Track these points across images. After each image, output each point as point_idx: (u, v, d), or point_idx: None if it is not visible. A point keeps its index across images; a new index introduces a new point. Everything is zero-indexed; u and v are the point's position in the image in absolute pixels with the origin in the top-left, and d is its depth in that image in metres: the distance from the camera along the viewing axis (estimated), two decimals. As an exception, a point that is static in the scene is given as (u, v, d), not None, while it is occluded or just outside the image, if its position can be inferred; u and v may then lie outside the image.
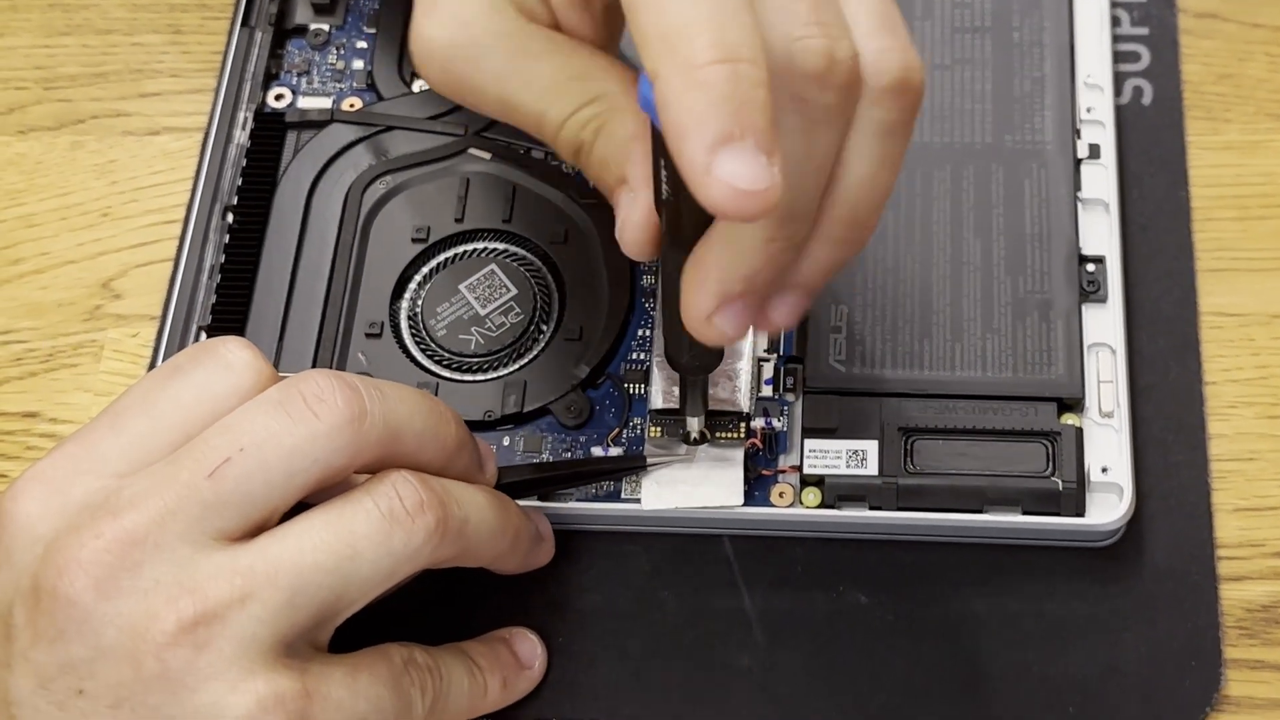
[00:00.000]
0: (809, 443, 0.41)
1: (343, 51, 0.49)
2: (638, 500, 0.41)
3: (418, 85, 0.48)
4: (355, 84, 0.48)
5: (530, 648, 0.40)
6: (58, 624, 0.33)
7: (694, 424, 0.41)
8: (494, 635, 0.40)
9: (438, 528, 0.35)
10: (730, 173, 0.28)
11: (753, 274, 0.33)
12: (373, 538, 0.34)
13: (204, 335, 0.44)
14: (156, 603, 0.33)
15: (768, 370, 0.43)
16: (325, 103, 0.48)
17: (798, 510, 0.41)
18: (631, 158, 0.34)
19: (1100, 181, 0.45)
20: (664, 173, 0.32)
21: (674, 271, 0.34)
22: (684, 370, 0.39)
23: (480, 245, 0.45)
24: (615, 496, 0.42)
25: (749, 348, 0.42)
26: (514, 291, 0.44)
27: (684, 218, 0.33)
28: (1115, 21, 0.48)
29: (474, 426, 0.43)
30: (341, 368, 0.43)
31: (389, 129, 0.47)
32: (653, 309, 0.44)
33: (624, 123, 0.35)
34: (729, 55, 0.29)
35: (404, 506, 0.34)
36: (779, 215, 0.32)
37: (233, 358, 0.35)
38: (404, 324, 0.44)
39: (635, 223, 0.35)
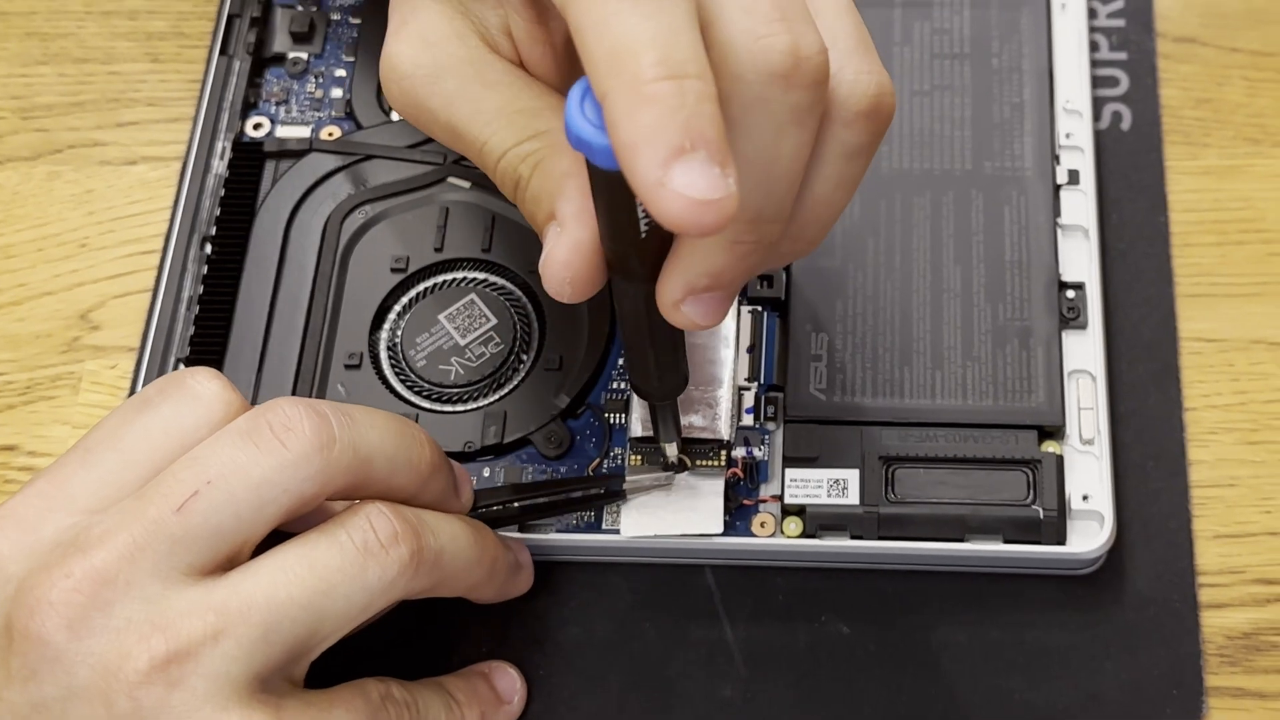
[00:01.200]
0: (790, 472, 0.41)
1: (321, 80, 0.49)
2: (618, 531, 0.41)
3: (396, 114, 0.48)
4: (334, 113, 0.48)
5: (510, 682, 0.40)
6: (30, 664, 0.32)
7: (670, 450, 0.41)
8: (473, 670, 0.40)
9: (412, 559, 0.35)
10: (684, 184, 0.28)
11: (719, 272, 0.33)
12: (347, 571, 0.34)
13: (182, 366, 0.44)
14: (128, 641, 0.32)
15: (748, 399, 0.43)
16: (304, 132, 0.48)
17: (779, 540, 0.41)
18: (564, 194, 0.34)
19: (1079, 207, 0.45)
20: (604, 205, 0.32)
21: (626, 303, 0.34)
22: (649, 397, 0.39)
23: (460, 275, 0.45)
24: (596, 527, 0.42)
25: (729, 376, 0.42)
26: (494, 321, 0.44)
27: (630, 249, 0.33)
28: (1094, 46, 0.49)
29: (454, 457, 0.42)
30: (321, 398, 0.43)
31: (368, 158, 0.47)
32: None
33: (561, 161, 0.34)
34: (675, 72, 0.29)
35: (378, 538, 0.34)
36: (747, 218, 0.32)
37: (201, 389, 0.35)
38: (384, 354, 0.44)
39: (559, 260, 0.34)
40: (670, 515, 0.41)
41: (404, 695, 0.37)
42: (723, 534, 0.41)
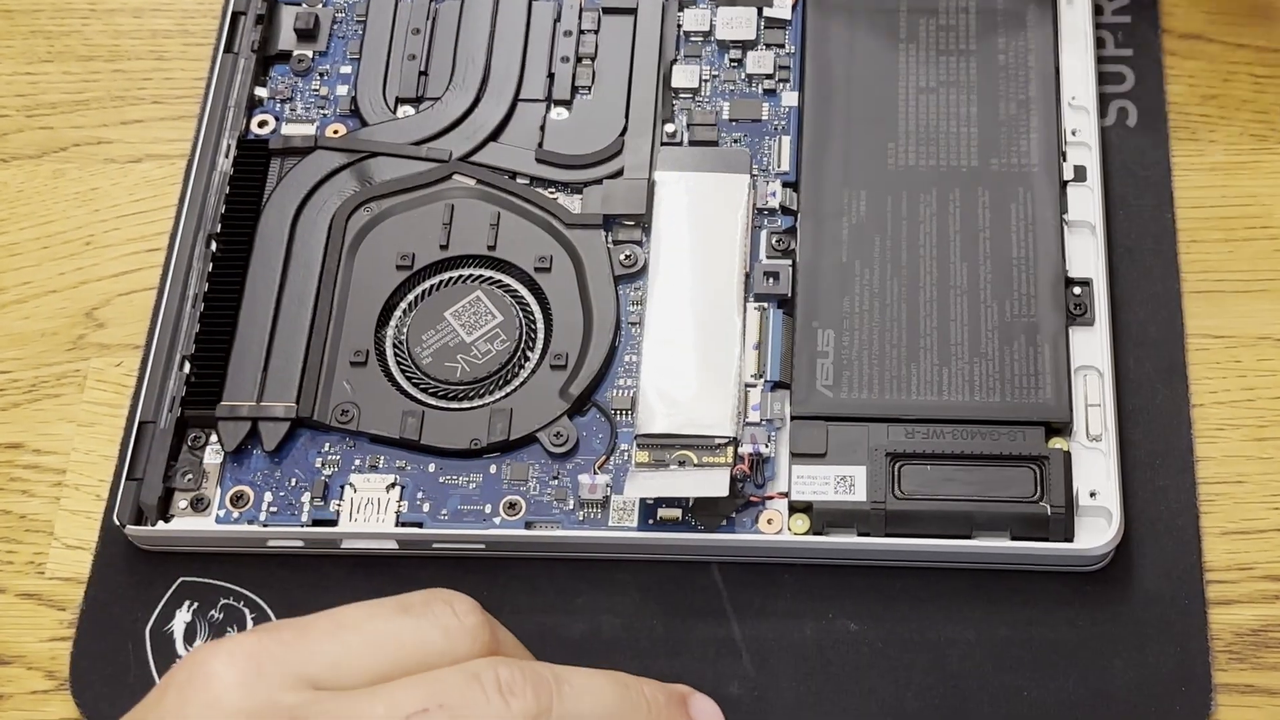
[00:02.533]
0: (797, 469, 0.41)
1: (326, 78, 0.49)
2: (625, 527, 0.41)
3: (402, 111, 0.48)
4: (339, 110, 0.48)
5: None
6: None
7: None
8: (673, 690, 0.38)
9: None
10: None
11: None
12: None
13: (187, 364, 0.44)
14: None
15: (755, 396, 0.43)
16: (309, 129, 0.48)
17: (786, 537, 0.41)
18: None
19: (1086, 204, 0.45)
20: None
21: None
22: None
23: (465, 272, 0.45)
24: (603, 523, 0.42)
25: (735, 373, 0.42)
26: (499, 318, 0.44)
27: None
28: (1100, 43, 0.48)
29: (460, 455, 0.42)
30: (327, 395, 0.43)
31: (373, 155, 0.47)
32: (638, 335, 0.44)
33: None
34: None
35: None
36: None
37: (464, 620, 0.35)
38: (389, 351, 0.44)
39: None
40: (675, 479, 0.41)
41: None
42: (730, 530, 0.41)
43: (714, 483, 0.41)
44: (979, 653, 0.41)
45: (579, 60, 0.48)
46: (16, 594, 0.43)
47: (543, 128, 0.47)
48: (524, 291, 0.45)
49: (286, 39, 0.49)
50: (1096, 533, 0.41)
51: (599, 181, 0.46)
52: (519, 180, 0.46)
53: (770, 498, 0.42)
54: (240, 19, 0.49)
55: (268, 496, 0.42)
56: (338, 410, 0.43)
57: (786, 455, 0.42)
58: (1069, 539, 0.40)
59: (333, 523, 0.42)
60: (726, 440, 0.42)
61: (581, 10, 0.49)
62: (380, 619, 0.35)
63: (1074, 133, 0.46)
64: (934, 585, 0.41)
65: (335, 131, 0.48)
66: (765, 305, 0.44)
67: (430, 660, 0.34)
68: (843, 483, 0.41)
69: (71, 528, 0.44)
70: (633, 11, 0.49)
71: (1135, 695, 0.40)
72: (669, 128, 0.47)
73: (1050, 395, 0.42)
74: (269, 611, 0.42)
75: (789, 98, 0.47)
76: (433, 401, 0.43)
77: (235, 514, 0.42)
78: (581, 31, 0.49)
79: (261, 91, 0.49)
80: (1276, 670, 0.40)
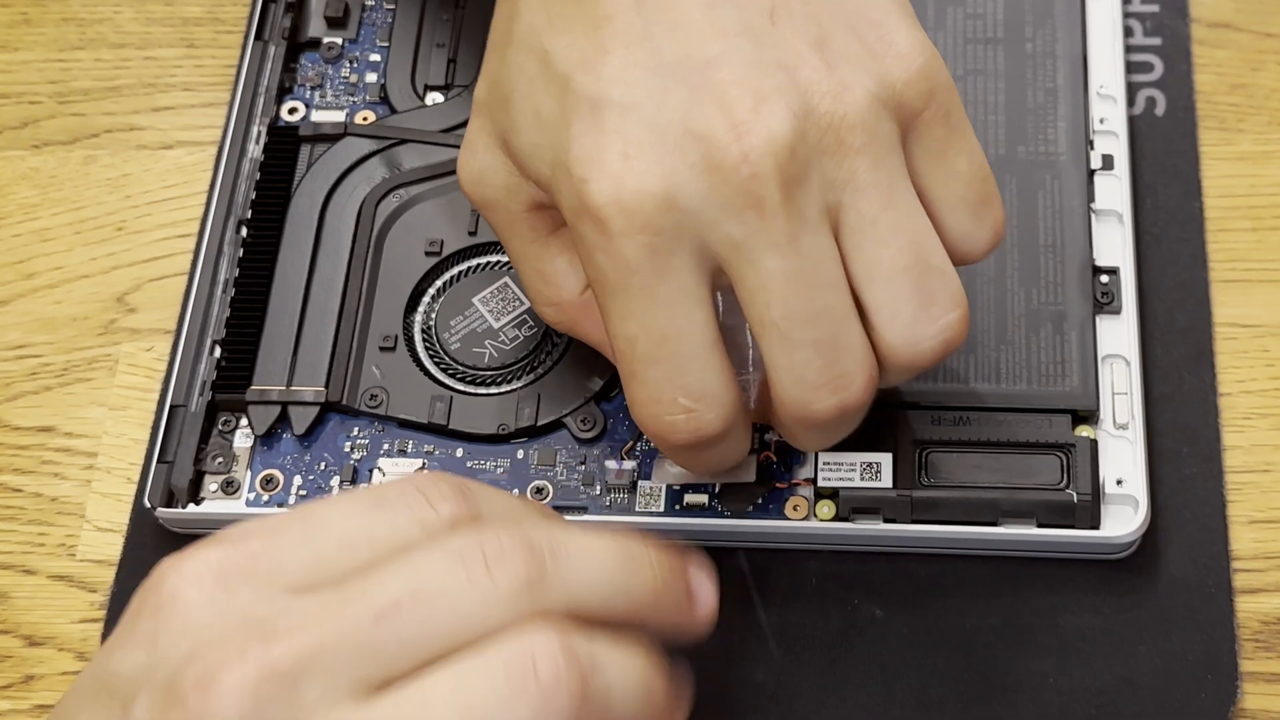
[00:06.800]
0: (823, 455, 0.41)
1: (356, 65, 0.49)
2: (652, 512, 0.41)
3: (431, 98, 0.48)
4: (368, 97, 0.48)
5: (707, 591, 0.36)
6: None
7: None
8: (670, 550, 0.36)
9: (571, 705, 0.31)
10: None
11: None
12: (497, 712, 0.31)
13: (218, 349, 0.44)
14: None
15: (781, 383, 0.43)
16: (339, 116, 0.48)
17: (812, 523, 0.41)
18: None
19: (1114, 192, 0.45)
20: None
21: None
22: None
23: (493, 258, 0.45)
24: (630, 509, 0.42)
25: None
26: (527, 304, 0.44)
27: None
28: (1128, 32, 0.48)
29: (488, 440, 0.43)
30: (356, 380, 0.43)
31: (402, 142, 0.47)
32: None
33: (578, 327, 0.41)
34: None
35: (538, 680, 0.31)
36: None
37: (440, 509, 0.33)
38: (418, 337, 0.44)
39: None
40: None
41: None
42: (756, 516, 0.41)
43: (741, 468, 0.41)
44: (1004, 640, 0.41)
45: (607, 48, 0.48)
46: (48, 576, 0.44)
47: (571, 115, 0.47)
48: (552, 278, 0.45)
49: (317, 26, 0.50)
50: (1123, 520, 0.41)
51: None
52: (547, 167, 0.47)
53: (797, 484, 0.42)
54: (271, 6, 0.50)
55: (297, 480, 0.43)
56: (367, 395, 0.43)
57: (813, 442, 0.42)
58: (1095, 526, 0.40)
59: (361, 506, 0.42)
60: (753, 426, 0.42)
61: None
62: (354, 515, 0.33)
63: (1102, 121, 0.46)
64: (960, 572, 0.41)
65: (365, 118, 0.48)
66: (792, 292, 0.44)
67: (407, 546, 0.32)
68: (869, 469, 0.41)
69: (103, 510, 0.44)
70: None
71: (1161, 683, 0.40)
72: (697, 115, 0.47)
73: (1077, 383, 0.42)
74: (298, 594, 0.42)
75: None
76: (461, 387, 0.44)
77: (265, 497, 0.43)
78: (610, 19, 0.49)
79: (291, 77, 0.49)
80: (1303, 659, 0.40)
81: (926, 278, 0.36)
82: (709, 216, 0.34)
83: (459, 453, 0.43)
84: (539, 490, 0.42)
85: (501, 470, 0.42)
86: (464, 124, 0.47)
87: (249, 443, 0.43)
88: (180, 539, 0.43)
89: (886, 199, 0.35)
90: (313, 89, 0.49)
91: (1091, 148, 0.45)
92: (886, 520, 0.41)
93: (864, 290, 0.36)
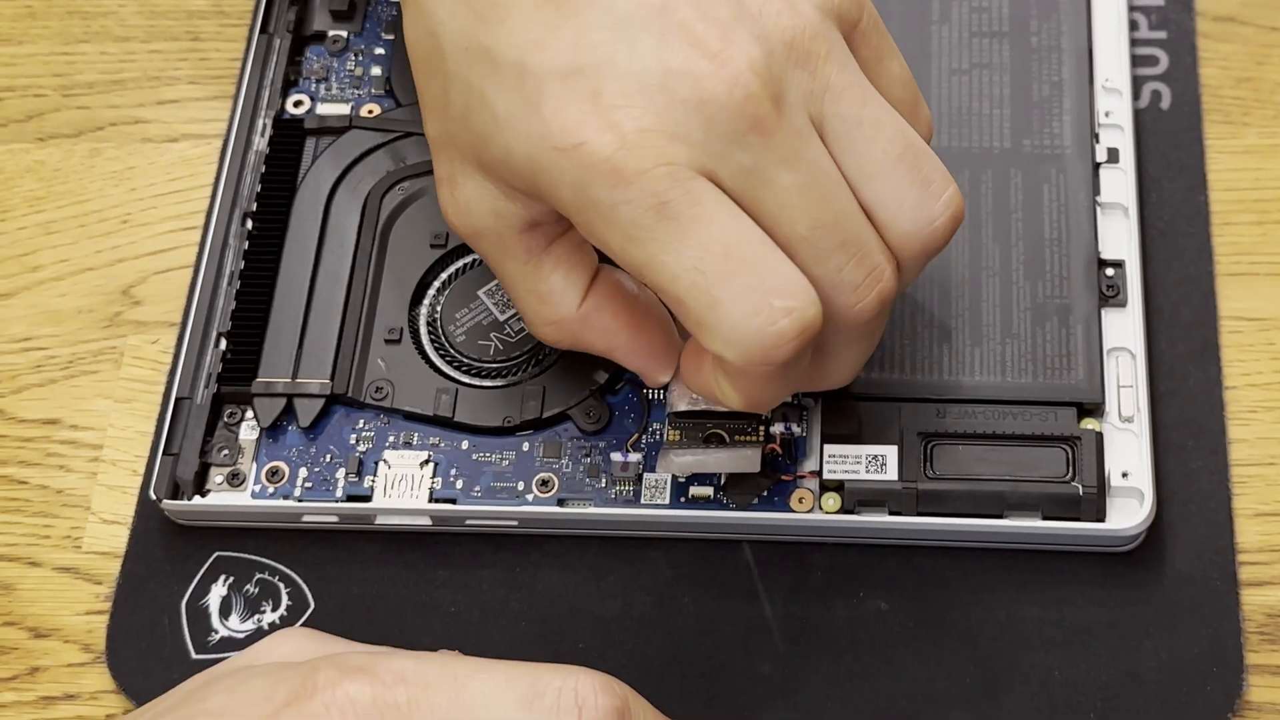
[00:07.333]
0: (828, 448, 0.41)
1: (361, 58, 0.49)
2: (657, 505, 0.41)
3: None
4: (373, 90, 0.48)
5: None
6: None
7: None
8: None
9: None
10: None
11: None
12: None
13: (223, 341, 0.44)
14: None
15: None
16: (344, 109, 0.48)
17: (817, 515, 0.41)
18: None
19: (1119, 186, 0.45)
20: None
21: None
22: None
23: (499, 251, 0.45)
24: (635, 501, 0.42)
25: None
26: (533, 297, 0.44)
27: None
28: (1133, 25, 0.48)
29: (493, 433, 0.43)
30: (361, 373, 0.44)
31: (407, 135, 0.47)
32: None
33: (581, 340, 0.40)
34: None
35: None
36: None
37: None
38: (423, 330, 0.44)
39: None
40: (708, 458, 0.41)
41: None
42: (761, 509, 0.41)
43: (747, 459, 0.41)
44: (1010, 632, 0.41)
45: (612, 41, 0.48)
46: (54, 568, 0.44)
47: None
48: (557, 271, 0.45)
49: (322, 19, 0.50)
50: (1128, 513, 0.41)
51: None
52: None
53: (802, 476, 0.42)
54: (275, 0, 0.50)
55: (302, 472, 0.43)
56: (372, 387, 0.43)
57: (819, 435, 0.42)
58: (1101, 519, 0.40)
59: (367, 499, 0.42)
60: (758, 419, 0.42)
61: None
62: (504, 707, 0.33)
63: (1107, 114, 0.46)
64: (965, 565, 0.41)
65: (370, 111, 0.48)
66: (798, 285, 0.44)
67: None
68: (874, 462, 0.41)
69: (108, 503, 0.44)
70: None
71: (1167, 676, 0.40)
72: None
73: (1082, 376, 0.42)
74: (303, 586, 0.42)
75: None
76: (466, 379, 0.44)
77: (270, 489, 0.43)
78: (615, 12, 0.49)
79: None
80: (1308, 652, 0.40)
81: (919, 161, 0.36)
82: (715, 149, 0.34)
83: (464, 445, 0.43)
84: (544, 483, 0.42)
85: (507, 463, 0.43)
86: (469, 117, 0.47)
87: (254, 435, 0.43)
88: (186, 531, 0.43)
89: (862, 97, 0.36)
90: (318, 82, 0.49)
91: (1097, 141, 0.45)
92: (892, 513, 0.41)
93: (863, 189, 0.36)
